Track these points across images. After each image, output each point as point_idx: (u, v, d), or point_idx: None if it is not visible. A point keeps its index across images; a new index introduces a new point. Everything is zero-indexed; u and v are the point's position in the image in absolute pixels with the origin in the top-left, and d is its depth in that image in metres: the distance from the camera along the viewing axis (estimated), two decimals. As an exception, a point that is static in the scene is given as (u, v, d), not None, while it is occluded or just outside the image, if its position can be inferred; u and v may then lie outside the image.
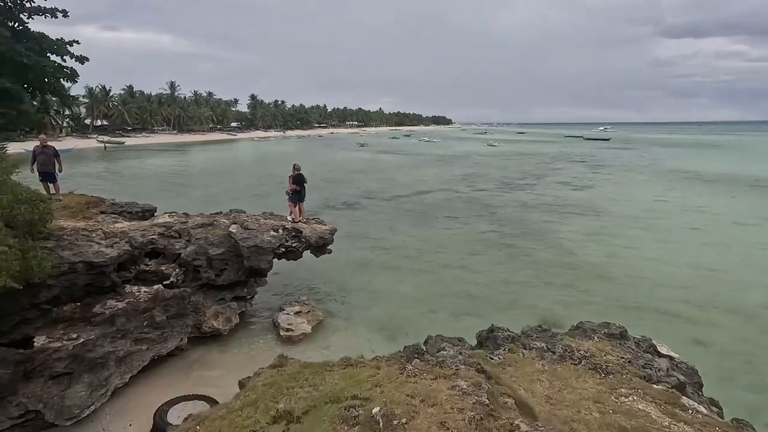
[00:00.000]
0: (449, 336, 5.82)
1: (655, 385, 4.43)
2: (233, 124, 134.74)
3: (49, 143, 11.95)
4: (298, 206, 12.02)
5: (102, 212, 10.63)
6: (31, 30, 16.36)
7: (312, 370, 3.97)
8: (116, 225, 9.63)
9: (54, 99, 22.31)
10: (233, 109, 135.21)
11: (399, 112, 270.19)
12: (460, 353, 4.50)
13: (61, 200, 10.84)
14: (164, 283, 8.90)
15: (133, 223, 10.19)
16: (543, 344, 5.12)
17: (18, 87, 14.82)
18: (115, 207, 11.23)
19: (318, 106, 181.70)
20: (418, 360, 4.06)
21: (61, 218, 9.25)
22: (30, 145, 11.74)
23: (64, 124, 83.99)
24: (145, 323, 7.88)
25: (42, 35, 16.44)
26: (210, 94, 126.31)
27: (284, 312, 10.39)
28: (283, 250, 10.80)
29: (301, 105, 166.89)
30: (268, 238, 10.28)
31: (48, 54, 16.59)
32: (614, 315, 10.90)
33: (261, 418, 3.34)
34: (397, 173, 41.99)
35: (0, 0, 15.07)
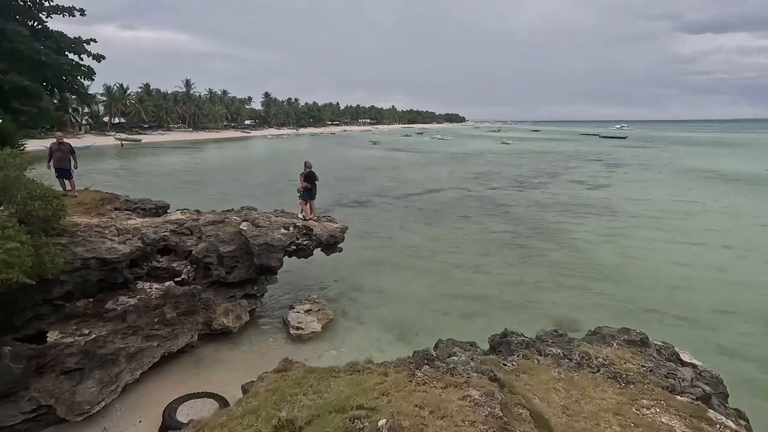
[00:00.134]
0: (460, 340, 5.66)
1: (678, 397, 4.20)
2: (247, 122, 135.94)
3: (67, 140, 12.12)
4: (309, 204, 11.96)
5: (116, 209, 10.72)
6: (50, 29, 16.65)
7: (317, 376, 3.84)
8: (129, 222, 9.70)
9: (73, 97, 22.79)
10: (247, 107, 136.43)
11: (412, 109, 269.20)
12: (472, 359, 4.34)
13: (76, 196, 10.97)
14: (175, 280, 8.93)
15: (145, 219, 10.25)
16: (559, 350, 4.92)
17: (36, 85, 15.11)
18: (129, 203, 11.31)
19: (331, 104, 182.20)
20: (427, 366, 3.90)
21: (75, 214, 9.36)
22: (50, 142, 11.92)
23: (83, 122, 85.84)
24: (155, 320, 7.90)
25: (60, 34, 16.72)
26: (224, 92, 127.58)
27: (294, 310, 10.35)
28: (294, 247, 10.75)
29: (314, 103, 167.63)
30: (279, 236, 10.24)
31: (66, 52, 16.87)
32: (631, 319, 10.61)
33: (262, 428, 3.22)
34: (409, 171, 41.76)
35: (20, -1, 15.33)
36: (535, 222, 21.07)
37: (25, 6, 15.74)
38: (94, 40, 17.50)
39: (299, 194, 12.12)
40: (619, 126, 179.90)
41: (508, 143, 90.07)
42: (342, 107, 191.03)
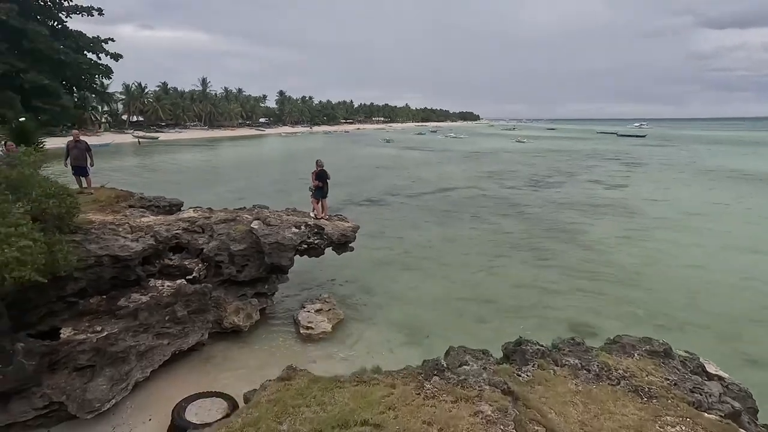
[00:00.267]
0: (472, 345, 5.47)
1: (706, 414, 3.95)
2: (261, 120, 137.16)
3: (85, 138, 12.33)
4: (320, 203, 11.90)
5: (130, 206, 10.83)
6: (70, 28, 16.95)
7: (321, 386, 3.70)
8: (143, 219, 9.77)
9: (92, 96, 23.22)
10: (262, 105, 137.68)
11: (426, 107, 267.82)
12: (485, 369, 4.16)
13: (92, 194, 11.13)
14: (187, 278, 8.95)
15: (159, 217, 10.31)
16: (576, 360, 4.69)
17: (56, 84, 15.39)
18: (143, 201, 11.42)
19: (345, 102, 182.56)
20: (437, 378, 3.73)
21: (90, 212, 9.47)
22: (68, 140, 12.11)
23: (103, 120, 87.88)
24: (166, 318, 7.92)
25: (79, 33, 17.01)
26: (240, 90, 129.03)
27: (305, 309, 10.30)
28: (305, 246, 10.69)
29: (328, 101, 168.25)
30: (290, 235, 10.19)
31: (84, 51, 17.16)
32: (650, 325, 10.25)
33: (262, 442, 3.10)
34: (422, 170, 41.47)
35: (41, -1, 15.62)
36: (551, 222, 20.62)
37: (45, 6, 16.05)
38: (112, 39, 17.78)
39: (311, 193, 12.06)
40: (637, 124, 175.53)
41: (523, 141, 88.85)
42: (356, 105, 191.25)
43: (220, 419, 6.30)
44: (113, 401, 6.57)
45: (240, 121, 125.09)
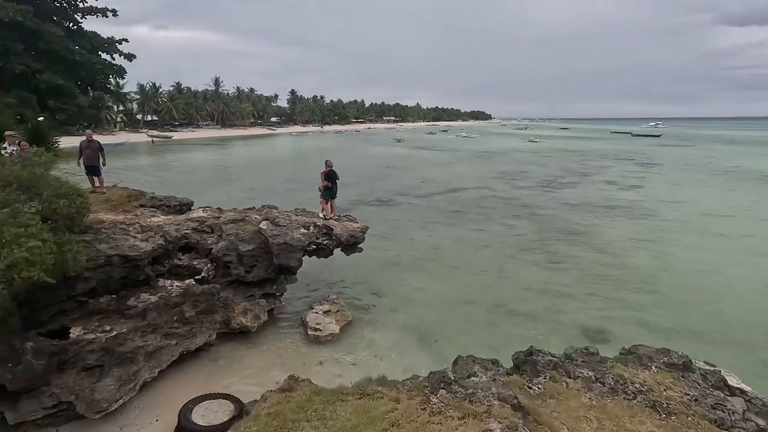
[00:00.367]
0: (481, 353, 5.32)
1: (728, 432, 3.76)
2: (273, 119, 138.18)
3: (100, 137, 12.48)
4: (329, 203, 11.84)
5: (141, 205, 10.91)
6: (84, 29, 17.20)
7: (322, 399, 3.58)
8: (153, 219, 9.82)
9: (107, 96, 23.57)
10: (273, 104, 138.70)
11: (437, 107, 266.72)
12: (494, 380, 4.02)
13: (104, 193, 11.25)
14: (196, 278, 8.97)
15: (169, 217, 10.36)
16: (590, 373, 4.51)
17: (70, 84, 15.61)
18: (154, 200, 11.50)
19: (356, 101, 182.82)
20: (444, 391, 3.60)
21: (101, 211, 9.56)
22: (81, 140, 12.25)
23: (118, 119, 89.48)
24: (175, 318, 7.93)
25: (94, 34, 17.25)
26: (252, 89, 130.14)
27: (313, 311, 10.25)
28: (314, 247, 10.64)
29: (339, 100, 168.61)
30: (298, 236, 10.14)
31: (99, 52, 17.39)
32: (667, 333, 9.95)
33: (258, 459, 2.99)
34: (432, 169, 41.22)
35: (56, 1, 15.86)
36: (563, 224, 20.26)
37: (61, 7, 16.30)
38: (126, 40, 17.99)
39: (320, 193, 12.01)
40: (653, 124, 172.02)
41: (535, 141, 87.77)
42: (367, 105, 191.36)
43: (225, 421, 6.29)
44: (121, 401, 6.59)
45: (252, 120, 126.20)
